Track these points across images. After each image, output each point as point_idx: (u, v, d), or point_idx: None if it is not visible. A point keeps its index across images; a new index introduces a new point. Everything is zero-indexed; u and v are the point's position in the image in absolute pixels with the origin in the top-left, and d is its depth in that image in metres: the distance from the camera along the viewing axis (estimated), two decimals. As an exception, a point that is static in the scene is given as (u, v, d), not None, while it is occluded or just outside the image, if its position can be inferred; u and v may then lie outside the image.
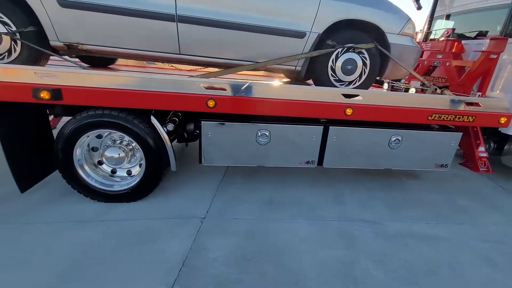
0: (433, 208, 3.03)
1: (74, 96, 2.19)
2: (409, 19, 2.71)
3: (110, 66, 3.56)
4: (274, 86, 2.51)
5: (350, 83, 2.77)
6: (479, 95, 3.14)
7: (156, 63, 4.20)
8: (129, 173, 2.78)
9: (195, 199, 2.84)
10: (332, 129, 2.71)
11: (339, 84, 2.76)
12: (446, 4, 4.46)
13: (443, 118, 2.65)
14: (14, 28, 2.25)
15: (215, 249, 2.15)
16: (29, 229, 2.24)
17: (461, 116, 2.67)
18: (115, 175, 2.77)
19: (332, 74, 2.71)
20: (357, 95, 2.52)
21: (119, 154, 2.60)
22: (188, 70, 3.96)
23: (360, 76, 2.75)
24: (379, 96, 2.59)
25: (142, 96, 2.25)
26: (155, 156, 2.54)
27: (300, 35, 2.51)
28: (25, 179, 2.53)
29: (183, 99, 2.30)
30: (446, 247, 2.40)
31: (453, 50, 3.73)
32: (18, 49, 2.32)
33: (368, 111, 2.54)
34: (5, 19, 2.22)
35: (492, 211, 3.08)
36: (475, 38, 3.79)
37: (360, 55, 2.67)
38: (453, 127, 3.04)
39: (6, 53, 2.32)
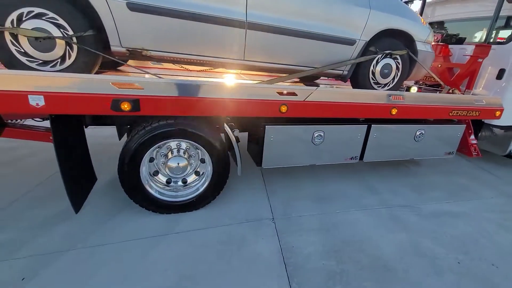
0: (445, 189, 3.60)
1: (152, 106, 2.08)
2: (431, 29, 3.15)
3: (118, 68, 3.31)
4: (335, 90, 2.71)
5: (385, 85, 3.11)
6: (472, 93, 3.80)
7: (162, 63, 4.00)
8: (184, 181, 2.71)
9: (252, 202, 2.91)
10: (373, 127, 3.03)
11: (377, 87, 3.08)
12: (428, 14, 5.14)
13: (459, 114, 3.17)
14: (71, 32, 2.01)
15: (304, 246, 2.30)
16: (110, 250, 2.09)
17: (471, 111, 3.22)
18: (169, 185, 2.67)
19: (372, 77, 3.01)
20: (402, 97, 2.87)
21: (178, 163, 2.54)
22: (198, 71, 3.90)
23: (394, 79, 3.11)
24: (418, 97, 2.99)
25: (220, 104, 2.24)
26: (222, 163, 2.55)
27: (351, 42, 2.73)
28: (77, 198, 2.33)
29: (260, 105, 2.35)
30: (471, 220, 2.93)
31: (442, 54, 4.38)
32: (74, 55, 2.09)
33: (409, 110, 2.91)
34: (61, 22, 1.98)
35: (484, 186, 3.78)
36: (456, 43, 4.50)
37: (395, 60, 3.02)
38: (456, 120, 3.63)
39: (59, 60, 2.06)
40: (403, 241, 2.49)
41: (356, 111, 2.73)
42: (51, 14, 1.94)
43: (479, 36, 4.47)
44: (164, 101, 2.09)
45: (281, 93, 2.39)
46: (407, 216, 2.90)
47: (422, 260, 2.27)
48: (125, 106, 1.97)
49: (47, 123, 2.64)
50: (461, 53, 4.30)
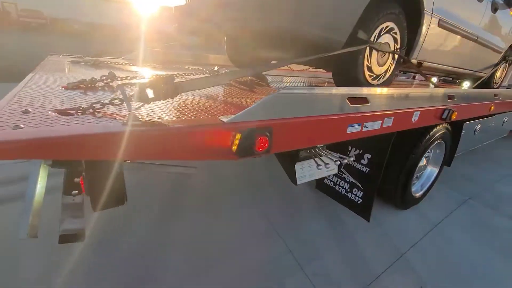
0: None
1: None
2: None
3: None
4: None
5: (496, 83, 4.01)
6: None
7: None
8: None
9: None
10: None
11: (495, 86, 3.94)
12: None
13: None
14: (397, 47, 2.07)
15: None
16: (428, 246, 2.30)
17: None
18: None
19: (495, 79, 3.85)
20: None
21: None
22: (299, 70, 4.13)
23: (503, 79, 4.04)
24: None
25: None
26: (447, 153, 2.96)
27: (501, 51, 3.46)
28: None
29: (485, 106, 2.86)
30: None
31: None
32: (392, 68, 2.14)
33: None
34: (398, 37, 2.02)
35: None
36: None
37: (506, 63, 3.92)
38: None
39: (384, 73, 2.09)
40: None
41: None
42: (395, 29, 1.97)
43: None
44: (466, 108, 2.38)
45: (495, 96, 2.94)
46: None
47: None
48: (454, 115, 2.19)
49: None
50: None
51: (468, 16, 2.55)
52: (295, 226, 2.44)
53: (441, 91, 2.10)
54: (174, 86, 1.06)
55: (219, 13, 1.86)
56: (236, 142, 0.97)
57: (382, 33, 1.89)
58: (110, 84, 1.51)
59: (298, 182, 1.71)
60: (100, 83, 1.47)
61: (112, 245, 2.01)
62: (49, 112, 0.89)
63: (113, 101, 1.00)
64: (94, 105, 0.96)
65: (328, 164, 1.62)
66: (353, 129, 1.46)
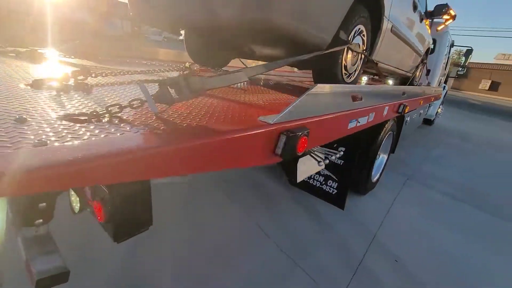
0: (435, 140, 5.91)
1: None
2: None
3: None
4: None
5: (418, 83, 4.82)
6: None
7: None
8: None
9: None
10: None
11: (416, 83, 4.73)
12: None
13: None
14: (364, 47, 2.27)
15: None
16: (404, 220, 2.63)
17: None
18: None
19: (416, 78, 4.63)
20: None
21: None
22: None
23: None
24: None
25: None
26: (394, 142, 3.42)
27: (421, 54, 4.16)
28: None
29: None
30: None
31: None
32: (359, 69, 2.33)
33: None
34: (365, 38, 2.21)
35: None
36: None
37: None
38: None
39: (353, 73, 2.26)
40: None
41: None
42: (364, 32, 2.15)
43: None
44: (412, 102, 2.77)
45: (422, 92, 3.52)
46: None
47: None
48: (407, 109, 2.52)
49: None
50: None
51: (407, 24, 2.98)
52: (279, 224, 2.45)
53: (398, 88, 2.40)
54: (201, 84, 0.92)
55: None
56: (281, 144, 0.91)
57: (356, 35, 2.04)
58: (85, 81, 1.22)
59: (299, 179, 1.72)
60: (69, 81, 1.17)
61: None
62: (56, 120, 0.66)
63: (132, 103, 0.81)
64: (110, 109, 0.76)
65: (326, 159, 1.68)
66: (352, 124, 1.55)
